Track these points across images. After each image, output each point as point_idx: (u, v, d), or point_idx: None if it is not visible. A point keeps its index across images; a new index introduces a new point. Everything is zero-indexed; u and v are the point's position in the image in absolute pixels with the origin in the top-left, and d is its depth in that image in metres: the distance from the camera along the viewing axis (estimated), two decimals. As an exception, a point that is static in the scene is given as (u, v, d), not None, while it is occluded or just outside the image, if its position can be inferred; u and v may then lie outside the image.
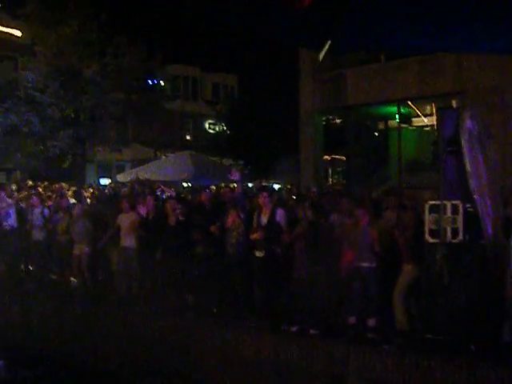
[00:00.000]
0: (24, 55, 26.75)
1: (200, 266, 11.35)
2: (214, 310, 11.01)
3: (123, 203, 13.01)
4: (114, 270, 12.95)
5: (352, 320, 9.69)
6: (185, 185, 22.20)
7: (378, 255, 9.51)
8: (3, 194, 15.82)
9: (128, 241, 12.52)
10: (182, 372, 10.58)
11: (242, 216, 11.03)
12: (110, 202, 14.91)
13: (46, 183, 21.94)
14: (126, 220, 12.64)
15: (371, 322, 9.53)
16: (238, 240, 10.91)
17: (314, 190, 15.94)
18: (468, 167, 8.39)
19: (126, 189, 18.56)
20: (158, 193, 17.91)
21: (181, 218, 11.84)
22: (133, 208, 13.03)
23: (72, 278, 13.85)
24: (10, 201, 15.75)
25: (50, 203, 15.43)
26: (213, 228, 11.25)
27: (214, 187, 19.01)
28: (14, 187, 18.18)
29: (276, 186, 24.99)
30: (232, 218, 10.91)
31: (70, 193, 18.23)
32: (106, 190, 20.27)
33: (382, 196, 12.67)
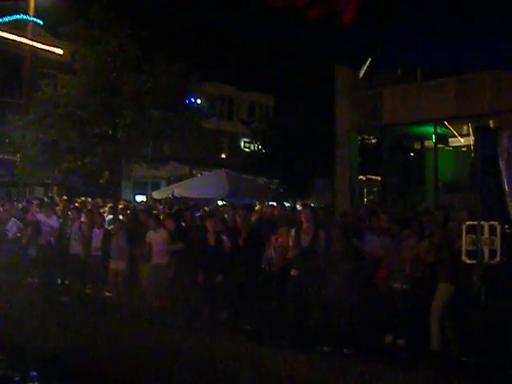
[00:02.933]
0: (64, 72, 27.24)
1: (235, 283, 11.39)
2: (248, 328, 11.00)
3: (150, 221, 13.09)
4: (145, 287, 13.01)
5: (387, 339, 9.61)
6: (220, 203, 22.29)
7: (410, 276, 9.45)
8: (49, 211, 16.14)
9: (159, 258, 12.57)
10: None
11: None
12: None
13: (82, 199, 22.22)
14: (155, 237, 12.72)
15: (402, 342, 9.44)
16: (279, 259, 10.86)
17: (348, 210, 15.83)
18: (506, 188, 8.30)
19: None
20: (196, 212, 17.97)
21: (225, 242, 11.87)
22: (160, 224, 13.09)
23: (107, 293, 13.98)
24: (54, 218, 16.06)
25: (84, 219, 15.56)
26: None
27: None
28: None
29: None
30: (284, 237, 10.84)
31: (106, 209, 18.44)
32: (141, 206, 20.43)
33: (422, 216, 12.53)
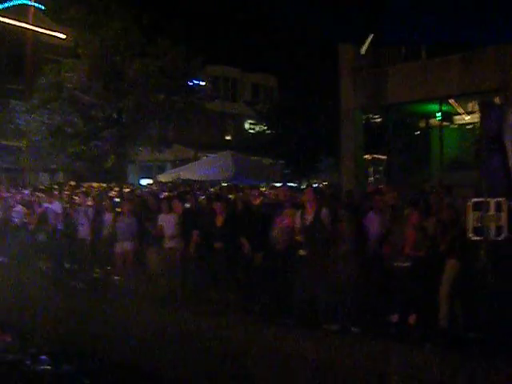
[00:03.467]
0: (67, 57, 27.21)
1: (243, 265, 11.44)
2: (256, 308, 11.06)
3: (163, 204, 13.11)
4: (154, 270, 13.05)
5: (394, 318, 9.65)
6: (224, 184, 22.33)
7: (413, 255, 9.47)
8: (51, 197, 16.23)
9: (172, 242, 12.61)
10: (224, 370, 10.65)
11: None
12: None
13: (88, 184, 22.28)
14: (168, 221, 12.76)
15: (411, 320, 9.47)
16: (285, 239, 10.89)
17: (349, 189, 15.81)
18: (511, 164, 8.29)
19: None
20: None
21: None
22: (172, 208, 13.15)
23: (115, 277, 14.04)
24: (58, 203, 16.14)
25: (92, 204, 15.58)
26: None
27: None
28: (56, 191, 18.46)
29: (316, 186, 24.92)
30: (290, 218, 10.87)
31: (114, 193, 18.49)
32: (146, 190, 20.49)
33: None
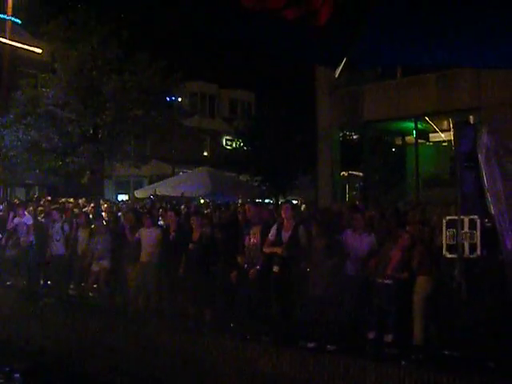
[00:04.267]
0: (44, 72, 27.08)
1: (218, 281, 11.40)
2: (232, 325, 11.02)
3: (145, 218, 13.06)
4: (132, 285, 12.95)
5: (370, 335, 9.66)
6: (201, 201, 22.30)
7: (394, 272, 9.50)
8: (22, 211, 16.09)
9: (149, 256, 12.50)
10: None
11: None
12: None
13: (64, 199, 22.10)
14: (147, 235, 12.68)
15: (388, 338, 9.48)
16: (256, 255, 10.85)
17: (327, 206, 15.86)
18: (485, 182, 8.38)
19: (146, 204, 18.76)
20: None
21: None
22: (154, 223, 13.07)
23: (90, 293, 13.94)
24: (29, 217, 16.00)
25: (67, 220, 15.45)
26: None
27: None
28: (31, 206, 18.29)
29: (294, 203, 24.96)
30: (256, 236, 10.83)
31: (89, 208, 18.37)
32: (124, 206, 20.38)
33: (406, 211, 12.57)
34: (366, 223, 10.70)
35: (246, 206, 11.93)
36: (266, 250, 10.50)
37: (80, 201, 20.89)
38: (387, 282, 9.56)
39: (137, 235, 12.76)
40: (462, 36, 3.48)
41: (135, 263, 12.68)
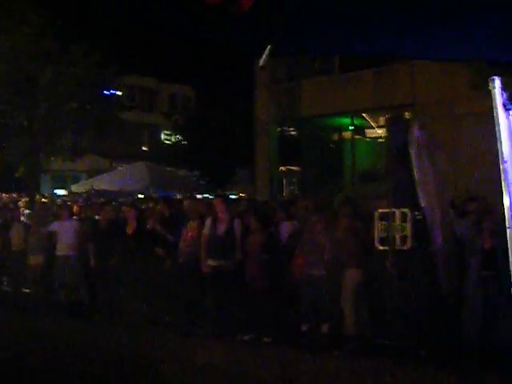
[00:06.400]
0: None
1: (154, 274, 11.35)
2: (167, 319, 11.00)
3: (63, 211, 12.94)
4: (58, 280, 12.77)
5: (304, 327, 9.78)
6: (140, 196, 22.10)
7: (328, 263, 9.63)
8: None
9: (69, 249, 12.36)
10: (134, 381, 10.51)
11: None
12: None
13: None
14: (66, 227, 12.53)
15: (324, 329, 9.63)
16: (193, 249, 10.89)
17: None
18: (416, 176, 8.58)
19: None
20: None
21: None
22: (71, 215, 13.04)
23: (24, 289, 13.68)
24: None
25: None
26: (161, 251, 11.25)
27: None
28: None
29: (232, 197, 25.02)
30: (194, 231, 10.85)
31: (22, 203, 17.99)
32: (59, 201, 20.04)
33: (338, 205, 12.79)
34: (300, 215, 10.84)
35: (185, 201, 11.99)
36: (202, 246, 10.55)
37: (14, 195, 20.45)
38: (322, 273, 9.68)
39: (50, 228, 12.69)
40: (384, 24, 3.53)
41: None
